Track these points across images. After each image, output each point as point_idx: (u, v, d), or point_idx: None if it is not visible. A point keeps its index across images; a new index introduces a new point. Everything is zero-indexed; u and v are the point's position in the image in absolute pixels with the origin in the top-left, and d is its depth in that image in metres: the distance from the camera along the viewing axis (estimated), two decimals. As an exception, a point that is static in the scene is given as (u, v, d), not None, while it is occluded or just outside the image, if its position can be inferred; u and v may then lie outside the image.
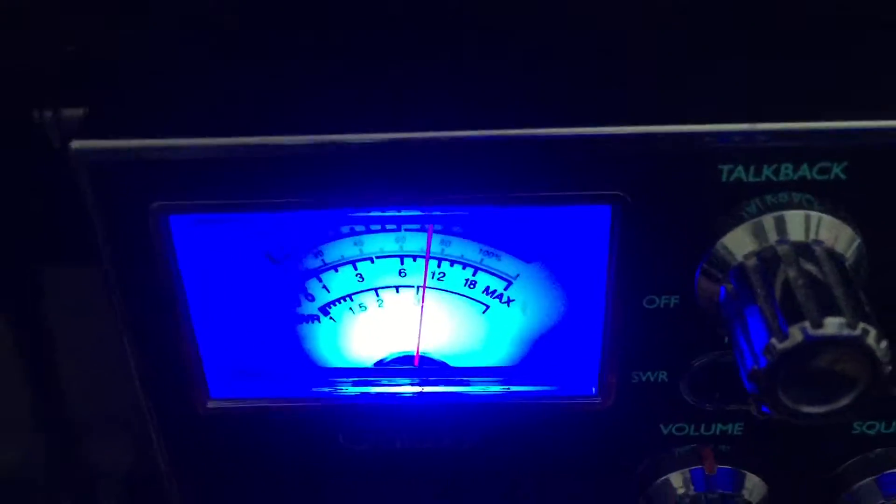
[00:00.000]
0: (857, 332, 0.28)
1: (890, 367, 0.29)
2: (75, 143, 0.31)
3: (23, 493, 0.55)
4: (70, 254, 0.45)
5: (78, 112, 0.36)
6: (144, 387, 0.37)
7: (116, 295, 0.35)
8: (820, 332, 0.28)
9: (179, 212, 0.33)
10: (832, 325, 0.28)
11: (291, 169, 0.32)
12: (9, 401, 0.50)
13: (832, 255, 0.31)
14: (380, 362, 0.41)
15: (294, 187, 0.33)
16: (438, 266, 0.38)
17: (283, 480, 0.41)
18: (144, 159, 0.31)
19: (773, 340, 0.28)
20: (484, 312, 0.39)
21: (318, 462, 0.40)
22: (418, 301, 0.39)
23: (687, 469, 0.39)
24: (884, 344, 0.28)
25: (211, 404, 0.38)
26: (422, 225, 0.37)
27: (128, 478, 0.54)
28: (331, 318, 0.40)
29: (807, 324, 0.28)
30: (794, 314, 0.28)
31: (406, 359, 0.41)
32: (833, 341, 0.28)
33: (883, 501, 0.39)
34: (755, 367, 0.29)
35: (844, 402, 0.29)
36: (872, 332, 0.28)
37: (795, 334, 0.28)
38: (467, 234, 0.38)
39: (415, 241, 0.38)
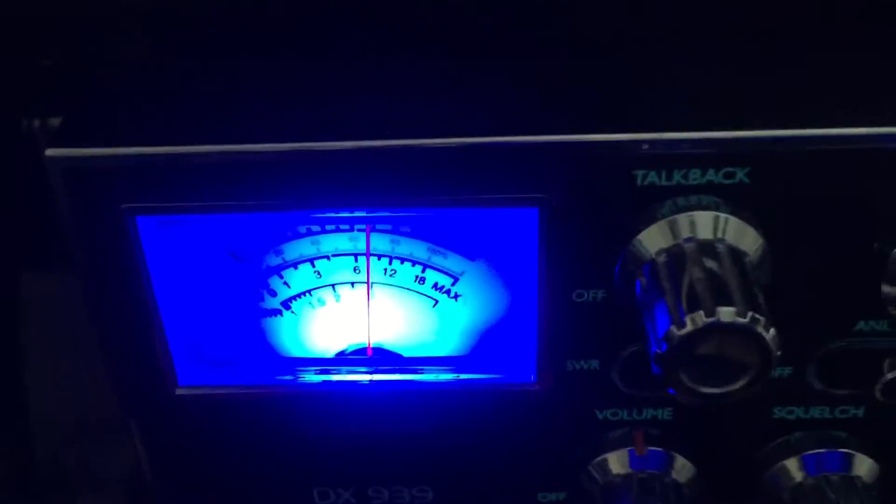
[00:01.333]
0: (747, 320, 0.31)
1: (779, 353, 0.32)
2: (49, 151, 0.34)
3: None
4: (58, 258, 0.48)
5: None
6: (116, 376, 0.40)
7: (89, 291, 0.38)
8: (712, 319, 0.31)
9: (146, 213, 0.36)
10: (725, 313, 0.31)
11: (250, 174, 0.36)
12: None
13: (733, 252, 0.34)
14: (340, 353, 0.44)
15: (253, 191, 0.36)
16: (390, 263, 0.42)
17: (248, 463, 0.44)
18: (113, 165, 0.35)
19: (673, 327, 0.31)
20: (434, 306, 0.43)
21: (280, 446, 0.44)
22: (372, 296, 0.42)
23: (622, 450, 0.43)
24: (772, 332, 0.32)
25: (179, 391, 0.41)
26: (372, 225, 0.40)
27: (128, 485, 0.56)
28: (292, 311, 0.43)
29: (701, 313, 0.31)
30: (692, 304, 0.32)
31: (363, 350, 0.44)
32: (724, 328, 0.31)
33: (804, 477, 0.42)
34: (658, 351, 0.32)
35: (740, 384, 0.32)
36: (762, 321, 0.31)
37: (690, 322, 0.31)
38: (415, 234, 0.41)
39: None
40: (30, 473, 0.54)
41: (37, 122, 0.43)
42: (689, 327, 0.31)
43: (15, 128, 0.42)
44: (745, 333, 0.31)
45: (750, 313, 0.31)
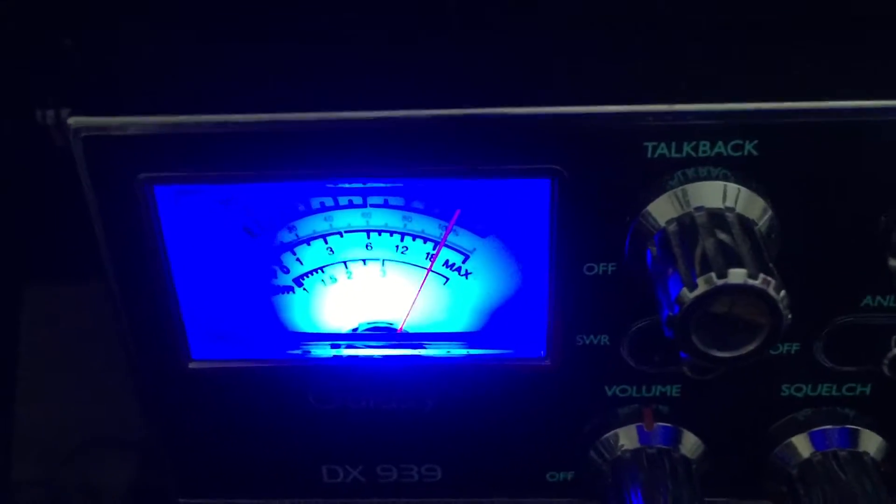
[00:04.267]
0: (758, 281, 0.32)
1: (790, 316, 0.32)
2: (71, 120, 0.35)
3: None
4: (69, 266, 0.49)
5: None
6: (131, 347, 0.41)
7: (107, 261, 0.38)
8: (725, 281, 0.32)
9: (163, 182, 0.37)
10: (736, 275, 0.32)
11: (264, 143, 0.36)
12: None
13: (742, 220, 0.35)
14: (351, 331, 0.45)
15: (268, 160, 0.37)
16: (401, 240, 0.42)
17: (258, 440, 0.45)
18: (131, 134, 0.35)
19: (685, 290, 0.32)
20: (445, 284, 0.43)
21: (290, 422, 0.44)
22: (383, 273, 0.43)
23: (630, 426, 0.43)
24: (783, 294, 0.32)
25: (192, 365, 0.42)
26: (385, 200, 0.41)
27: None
28: (304, 289, 0.43)
29: (713, 274, 0.32)
30: (704, 268, 0.32)
31: (374, 327, 0.45)
32: (737, 289, 0.32)
33: (811, 453, 0.42)
34: (670, 314, 0.32)
35: (751, 347, 0.33)
36: (773, 283, 0.32)
37: (703, 283, 0.32)
38: (427, 211, 0.41)
39: (380, 217, 0.41)
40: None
41: (51, 113, 0.43)
42: (701, 289, 0.32)
43: (24, 126, 0.43)
44: (756, 294, 0.32)
45: (761, 275, 0.32)
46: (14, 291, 0.50)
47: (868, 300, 0.39)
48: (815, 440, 0.43)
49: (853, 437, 0.42)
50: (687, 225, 0.35)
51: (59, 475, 0.56)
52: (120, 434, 0.55)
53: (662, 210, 0.36)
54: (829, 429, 0.42)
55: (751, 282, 0.32)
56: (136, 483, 0.56)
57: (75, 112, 0.35)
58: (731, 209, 0.35)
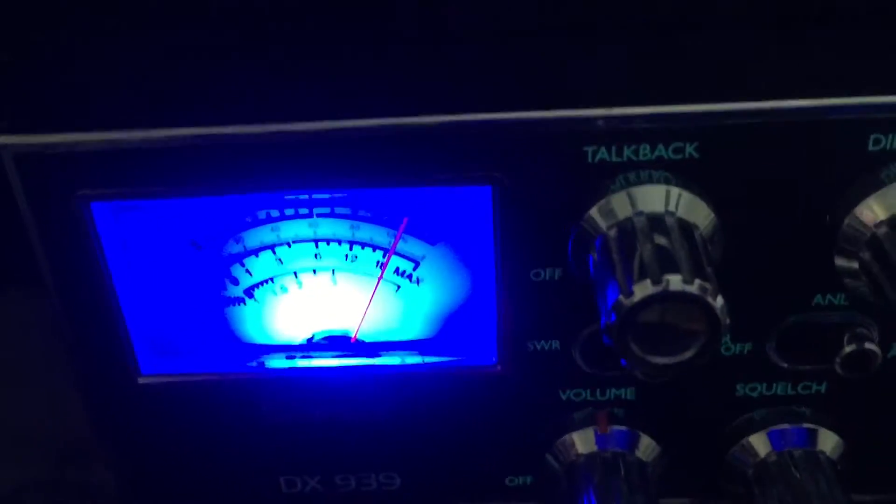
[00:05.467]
0: (694, 288, 0.31)
1: (728, 321, 0.32)
2: (2, 138, 0.35)
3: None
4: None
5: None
6: (78, 362, 0.40)
7: (48, 279, 0.38)
8: (659, 287, 0.31)
9: (101, 199, 0.36)
10: (672, 281, 0.31)
11: (203, 158, 0.36)
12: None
13: (683, 224, 0.34)
14: (305, 341, 0.44)
15: (208, 174, 0.36)
16: (350, 249, 0.42)
17: (214, 453, 0.44)
18: (66, 151, 0.35)
19: (621, 297, 0.32)
20: (396, 291, 0.43)
21: (246, 434, 0.44)
22: (334, 282, 0.43)
23: (585, 430, 0.43)
24: (720, 300, 0.32)
25: (142, 380, 0.41)
26: (332, 209, 0.41)
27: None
28: (255, 299, 0.43)
29: (648, 281, 0.31)
30: (640, 274, 0.32)
31: (328, 337, 0.44)
32: (672, 296, 0.31)
33: (767, 453, 0.42)
34: (607, 321, 0.32)
35: (689, 353, 0.32)
36: (709, 289, 0.32)
37: (638, 290, 0.31)
38: (375, 220, 0.41)
39: (327, 227, 0.41)
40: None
41: None
42: (636, 296, 0.31)
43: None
44: (692, 301, 0.31)
45: (697, 281, 0.31)
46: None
47: (818, 299, 0.39)
48: (772, 440, 0.42)
49: (810, 437, 0.42)
50: (626, 230, 0.34)
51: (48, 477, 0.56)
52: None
53: (604, 215, 0.35)
54: (785, 428, 0.42)
55: (687, 288, 0.31)
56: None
57: (6, 131, 0.35)
58: (672, 213, 0.35)
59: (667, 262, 0.32)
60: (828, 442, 0.42)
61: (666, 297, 0.31)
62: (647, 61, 0.37)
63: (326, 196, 0.39)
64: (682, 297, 0.31)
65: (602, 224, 0.35)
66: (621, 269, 0.33)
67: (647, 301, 0.31)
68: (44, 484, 0.54)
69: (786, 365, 0.41)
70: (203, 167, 0.36)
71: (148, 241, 0.40)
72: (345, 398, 0.43)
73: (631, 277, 0.32)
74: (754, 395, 0.42)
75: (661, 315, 0.31)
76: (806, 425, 0.42)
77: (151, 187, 0.36)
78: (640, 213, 0.35)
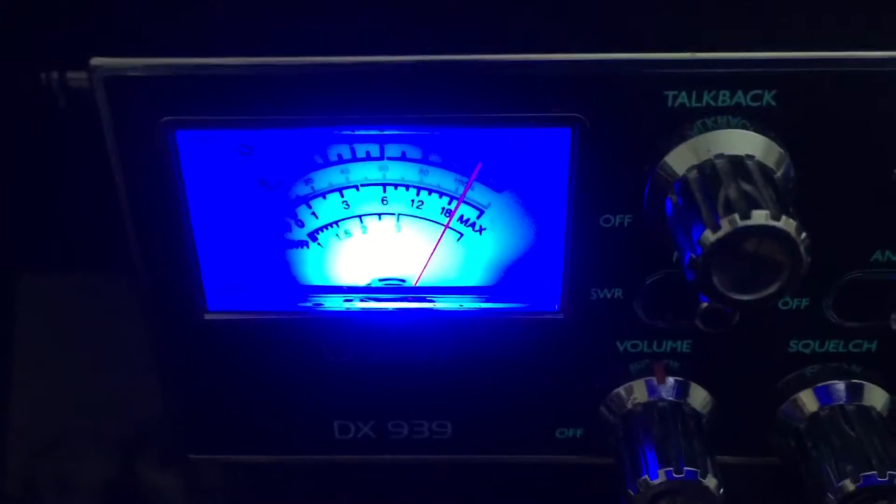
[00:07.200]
0: (780, 223, 0.32)
1: (809, 259, 0.33)
2: (94, 60, 0.35)
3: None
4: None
5: (82, 75, 0.39)
6: (147, 295, 0.40)
7: (126, 206, 0.38)
8: (747, 222, 0.32)
9: (185, 127, 0.37)
10: (758, 216, 0.32)
11: (285, 88, 0.36)
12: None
13: (762, 167, 0.35)
14: (366, 286, 0.45)
15: (287, 106, 0.37)
16: (417, 194, 0.42)
17: (271, 395, 0.45)
18: (154, 76, 0.35)
19: (707, 232, 0.32)
20: (458, 240, 0.43)
21: (303, 376, 0.44)
22: (398, 228, 0.43)
23: (641, 381, 0.43)
24: (804, 235, 0.33)
25: (208, 316, 0.42)
26: (403, 153, 0.41)
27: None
28: (318, 243, 0.43)
29: (736, 216, 0.32)
30: (727, 210, 0.33)
31: (388, 282, 0.45)
32: (760, 230, 0.32)
33: (818, 408, 0.43)
34: (692, 255, 0.33)
35: (771, 289, 0.33)
36: (794, 224, 0.32)
37: (726, 224, 0.32)
38: (444, 165, 0.41)
39: (396, 170, 0.42)
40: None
41: (55, 75, 0.43)
42: (724, 230, 0.32)
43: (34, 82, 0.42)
44: (778, 236, 0.32)
45: (783, 217, 0.32)
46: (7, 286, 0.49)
47: (878, 255, 0.40)
48: (822, 395, 0.43)
49: (859, 393, 0.43)
50: (708, 172, 0.35)
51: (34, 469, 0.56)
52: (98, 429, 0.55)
53: (682, 159, 0.36)
54: (835, 384, 0.43)
55: (773, 223, 0.32)
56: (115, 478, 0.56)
57: (99, 53, 0.35)
58: (752, 157, 0.35)
59: (752, 199, 0.33)
60: (878, 399, 0.43)
61: (753, 231, 0.32)
62: (730, 7, 0.37)
63: (399, 133, 0.40)
64: (769, 231, 0.32)
65: (681, 167, 0.36)
66: (706, 207, 0.33)
67: (735, 234, 0.32)
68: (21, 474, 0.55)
69: (840, 321, 0.42)
70: (281, 98, 0.37)
71: (222, 176, 0.40)
72: (401, 343, 0.43)
73: (717, 213, 0.33)
74: (807, 351, 0.43)
75: (745, 250, 0.32)
76: (856, 381, 0.43)
77: (235, 116, 0.37)
78: (721, 156, 0.35)
